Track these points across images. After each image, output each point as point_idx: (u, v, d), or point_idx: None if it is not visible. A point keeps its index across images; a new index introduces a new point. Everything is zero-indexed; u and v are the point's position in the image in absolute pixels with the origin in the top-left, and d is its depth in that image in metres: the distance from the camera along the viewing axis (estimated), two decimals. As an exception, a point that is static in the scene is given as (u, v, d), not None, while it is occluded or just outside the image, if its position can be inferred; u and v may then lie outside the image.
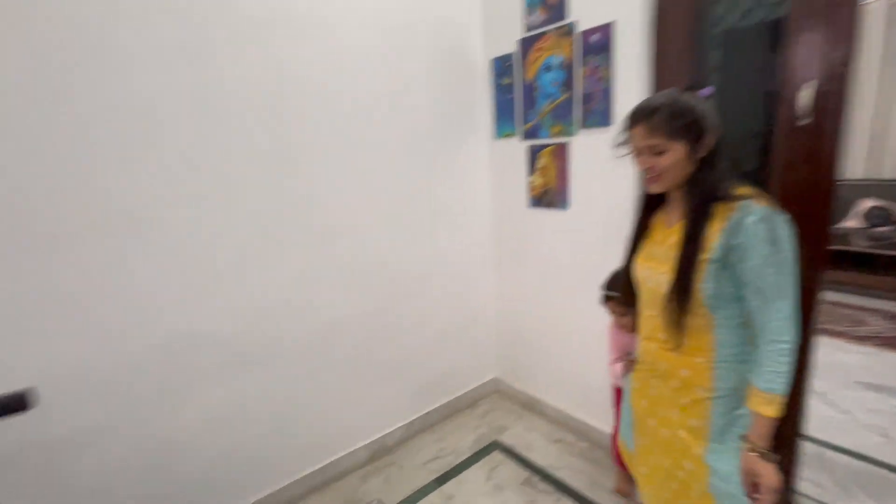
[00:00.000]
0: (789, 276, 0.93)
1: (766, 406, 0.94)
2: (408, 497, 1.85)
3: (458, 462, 2.05)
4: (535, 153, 2.08)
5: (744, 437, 0.99)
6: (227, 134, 1.54)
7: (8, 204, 1.22)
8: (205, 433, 1.61)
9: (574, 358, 2.15)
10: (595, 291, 1.75)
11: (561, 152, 1.98)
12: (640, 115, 1.01)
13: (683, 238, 1.00)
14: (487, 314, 2.51)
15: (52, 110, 1.25)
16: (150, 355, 1.47)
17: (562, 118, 1.94)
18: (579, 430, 2.18)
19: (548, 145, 2.02)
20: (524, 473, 1.96)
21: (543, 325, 2.27)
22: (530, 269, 2.26)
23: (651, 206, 1.16)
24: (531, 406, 2.42)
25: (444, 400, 2.38)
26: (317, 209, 1.79)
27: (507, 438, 2.19)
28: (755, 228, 0.92)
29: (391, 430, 2.17)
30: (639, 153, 1.04)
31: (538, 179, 2.09)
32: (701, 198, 1.00)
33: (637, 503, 1.61)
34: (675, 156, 0.99)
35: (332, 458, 1.97)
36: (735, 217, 0.95)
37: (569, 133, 1.92)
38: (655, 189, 1.06)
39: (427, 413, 2.30)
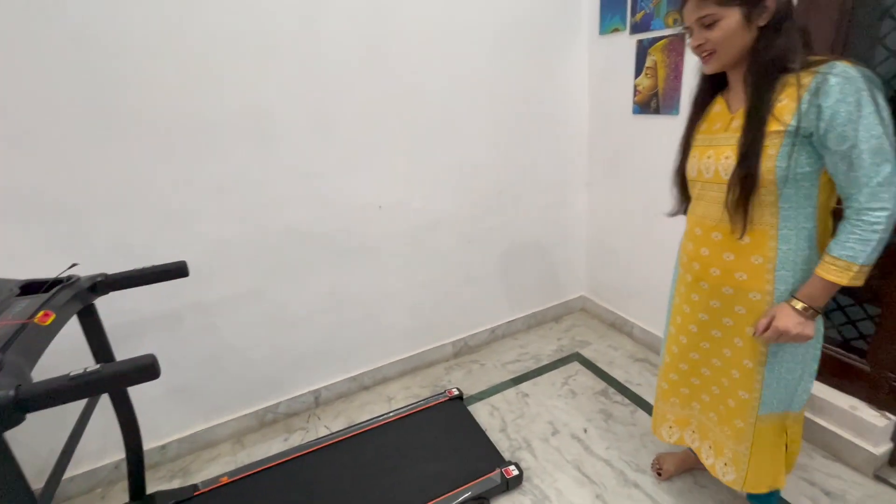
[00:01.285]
0: (887, 137, 0.80)
1: (838, 273, 0.86)
2: (485, 390, 2.03)
3: (536, 367, 2.16)
4: (643, 50, 1.83)
5: (793, 293, 0.94)
6: (336, 40, 1.62)
7: (189, 118, 1.47)
8: (316, 311, 1.91)
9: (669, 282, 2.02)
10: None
11: (676, 46, 1.71)
12: None
13: (748, 109, 0.89)
14: (578, 231, 2.44)
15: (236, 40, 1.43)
16: (274, 241, 1.75)
17: (679, 2, 1.65)
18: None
19: (660, 38, 1.76)
20: (601, 384, 1.99)
21: (637, 245, 2.15)
22: (627, 184, 2.10)
23: (711, 91, 1.03)
24: (617, 326, 2.38)
25: (530, 311, 2.46)
26: (419, 107, 1.84)
27: (589, 353, 2.22)
28: (843, 87, 0.80)
29: (476, 332, 2.33)
30: (691, 32, 0.93)
31: (645, 81, 1.86)
32: (766, 67, 0.87)
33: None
34: (729, 25, 0.87)
35: (422, 349, 2.21)
36: (817, 79, 0.82)
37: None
38: (711, 68, 0.94)
39: (511, 321, 2.41)
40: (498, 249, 2.23)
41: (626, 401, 1.88)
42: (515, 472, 1.50)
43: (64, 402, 0.81)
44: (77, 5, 1.30)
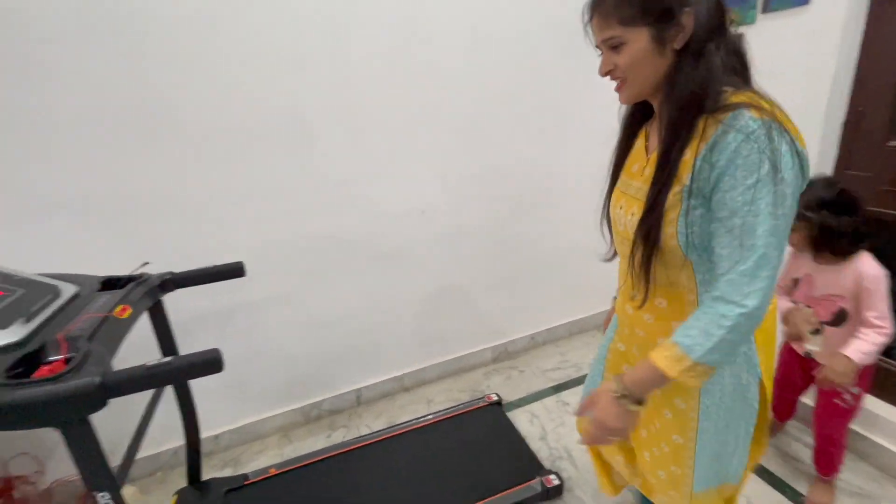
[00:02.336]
0: (771, 218, 0.64)
1: (669, 361, 0.70)
2: (525, 397, 2.02)
3: (578, 375, 2.12)
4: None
5: (617, 381, 0.77)
6: (367, 48, 1.68)
7: (235, 129, 1.57)
8: (356, 312, 1.97)
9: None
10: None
11: (732, 47, 1.65)
12: (593, 1, 0.75)
13: (658, 159, 0.74)
14: (623, 239, 2.38)
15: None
16: (316, 245, 1.81)
17: (735, 1, 1.59)
18: None
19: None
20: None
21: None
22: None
23: (640, 116, 0.90)
24: (664, 337, 2.30)
25: (571, 318, 2.42)
26: (453, 112, 1.86)
27: (633, 363, 2.16)
28: (739, 148, 0.64)
29: (515, 337, 2.32)
30: (602, 53, 0.78)
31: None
32: (680, 104, 0.70)
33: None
34: (637, 49, 0.71)
35: (461, 353, 2.22)
36: (718, 131, 0.66)
37: (744, 20, 1.58)
38: (624, 98, 0.80)
39: (552, 328, 2.38)
40: (539, 254, 2.22)
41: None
42: (556, 482, 1.48)
43: (141, 390, 0.88)
44: (131, 30, 1.41)
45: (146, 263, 1.34)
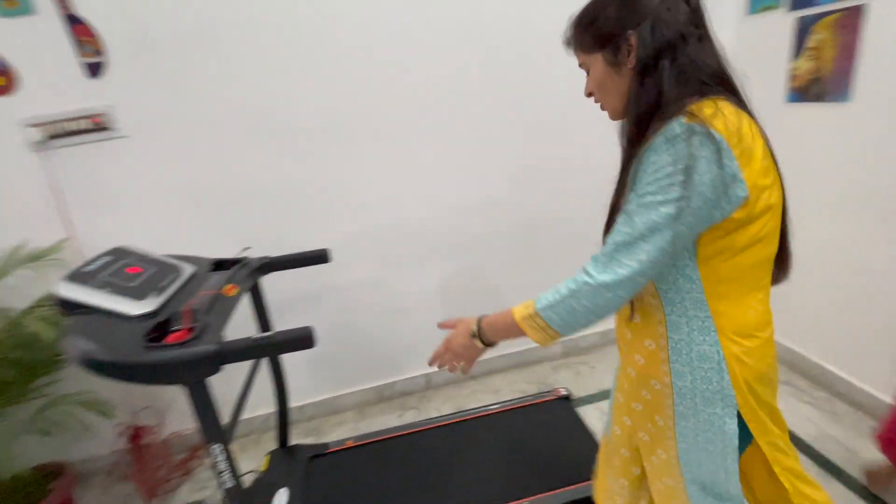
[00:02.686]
0: (656, 216, 0.65)
1: (520, 307, 0.78)
2: (595, 393, 1.97)
3: (652, 376, 2.03)
4: (805, 28, 1.60)
5: (480, 318, 0.85)
6: (448, 46, 1.71)
7: (329, 128, 1.70)
8: (429, 299, 2.04)
9: (839, 303, 1.75)
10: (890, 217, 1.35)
11: (850, 21, 1.46)
12: (565, 32, 0.81)
13: (619, 171, 0.76)
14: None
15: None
16: (394, 236, 1.91)
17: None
18: (832, 387, 1.82)
19: (829, 13, 1.52)
20: (730, 403, 1.81)
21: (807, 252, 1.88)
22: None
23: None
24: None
25: (646, 317, 2.32)
26: (528, 105, 1.86)
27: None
28: (657, 147, 0.65)
29: (587, 333, 2.27)
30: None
31: (805, 64, 1.62)
32: (634, 121, 0.72)
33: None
34: (598, 72, 0.77)
35: (529, 346, 2.23)
36: (651, 140, 0.66)
37: None
38: (610, 118, 0.83)
39: (625, 326, 2.30)
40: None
41: (761, 425, 1.68)
42: (627, 482, 1.45)
43: (247, 359, 1.00)
44: (238, 41, 1.57)
45: (247, 248, 1.50)
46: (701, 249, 0.71)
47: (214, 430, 1.04)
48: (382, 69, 1.70)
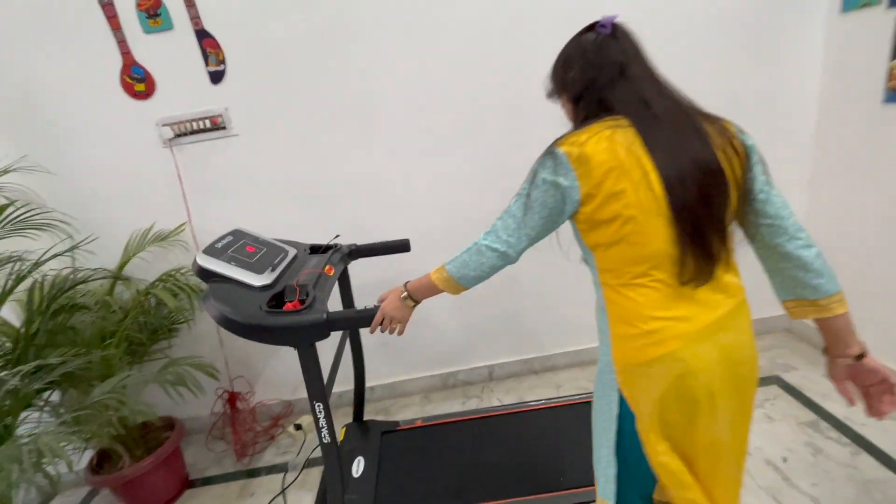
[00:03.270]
0: (510, 212, 0.91)
1: (437, 273, 1.02)
2: (661, 395, 1.96)
3: (722, 383, 1.98)
4: (910, 24, 1.52)
5: (406, 283, 1.08)
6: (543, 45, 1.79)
7: (418, 127, 1.85)
8: (497, 295, 2.11)
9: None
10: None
11: (963, 15, 1.38)
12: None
13: None
14: (790, 240, 2.13)
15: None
16: (466, 229, 2.00)
17: None
18: None
19: (938, 8, 1.44)
20: (809, 416, 1.73)
21: (875, 259, 1.78)
22: (869, 184, 1.76)
23: None
24: (837, 354, 2.01)
25: (716, 323, 2.25)
26: None
27: (793, 378, 1.94)
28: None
29: (651, 336, 2.24)
30: None
31: (908, 62, 1.54)
32: None
33: None
34: (565, 110, 0.97)
35: (590, 346, 2.24)
36: None
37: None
38: None
39: (693, 331, 2.25)
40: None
41: (845, 439, 1.60)
42: (695, 481, 1.45)
43: (350, 328, 1.14)
44: (343, 45, 1.73)
45: (338, 236, 1.66)
46: (585, 240, 0.90)
47: (318, 389, 1.18)
48: (485, 77, 1.80)
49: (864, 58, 1.68)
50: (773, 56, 1.86)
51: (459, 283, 1.00)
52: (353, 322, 1.13)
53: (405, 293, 1.08)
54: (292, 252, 1.46)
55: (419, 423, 1.90)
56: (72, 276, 1.52)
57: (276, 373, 2.17)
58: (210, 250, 1.25)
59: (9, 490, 1.10)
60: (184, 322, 1.90)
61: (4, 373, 1.30)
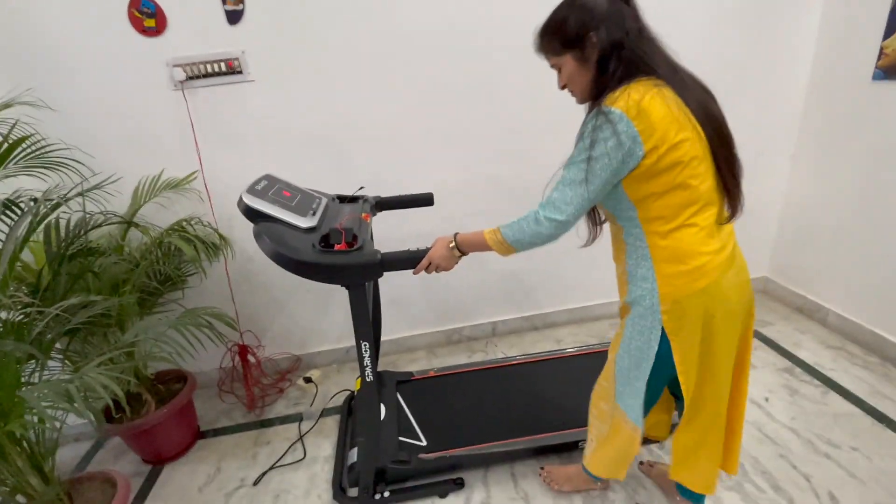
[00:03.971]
0: (573, 173, 0.92)
1: (491, 234, 1.06)
2: (654, 348, 2.12)
3: (708, 336, 2.17)
4: (901, 6, 1.65)
5: (455, 235, 1.13)
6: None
7: (439, 83, 1.83)
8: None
9: (890, 269, 1.85)
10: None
11: (950, 0, 1.52)
12: (534, 42, 1.01)
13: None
14: (771, 207, 2.31)
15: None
16: (481, 187, 2.04)
17: None
18: (870, 345, 1.95)
19: (929, -7, 1.57)
20: (785, 363, 1.94)
21: (849, 225, 1.98)
22: (850, 157, 1.93)
23: None
24: (807, 311, 2.24)
25: (701, 284, 2.44)
26: None
27: (770, 332, 2.15)
28: (584, 124, 0.92)
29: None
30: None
31: (897, 42, 1.68)
32: (592, 102, 0.97)
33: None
34: (569, 68, 0.97)
35: (590, 304, 2.38)
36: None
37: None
38: (579, 101, 1.03)
39: (680, 291, 2.42)
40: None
41: (817, 382, 1.81)
42: (693, 417, 1.61)
43: (403, 269, 1.17)
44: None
45: (362, 187, 1.67)
46: (632, 194, 0.94)
47: (365, 329, 1.22)
48: (507, 34, 1.80)
49: (857, 36, 1.82)
50: (768, 29, 1.97)
51: (512, 247, 1.04)
52: (407, 262, 1.17)
53: (453, 244, 1.13)
54: (324, 200, 1.46)
55: (432, 374, 1.97)
56: (87, 220, 1.46)
57: (284, 328, 2.18)
58: (253, 191, 1.24)
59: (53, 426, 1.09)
60: (194, 273, 1.86)
61: (20, 317, 1.25)
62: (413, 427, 1.67)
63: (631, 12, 0.92)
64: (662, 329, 0.99)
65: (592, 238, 1.16)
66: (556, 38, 0.96)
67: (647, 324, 1.00)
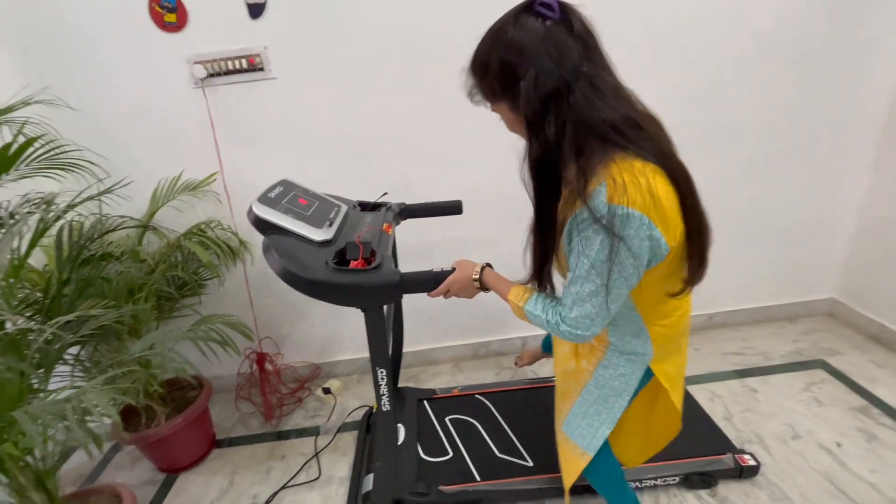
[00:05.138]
0: (590, 281, 0.76)
1: (516, 294, 0.94)
2: (702, 374, 1.92)
3: (765, 364, 1.94)
4: None
5: (483, 268, 1.02)
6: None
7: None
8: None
9: None
10: None
11: None
12: (464, 83, 0.83)
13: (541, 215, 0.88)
14: (845, 220, 2.04)
15: None
16: (514, 193, 1.89)
17: None
18: None
19: None
20: (859, 401, 1.70)
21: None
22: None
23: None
24: (885, 341, 1.96)
25: (757, 304, 2.20)
26: (685, 62, 1.76)
27: (839, 363, 1.90)
28: (586, 223, 0.73)
29: (693, 314, 2.18)
30: None
31: None
32: (535, 173, 0.81)
33: None
34: (505, 116, 0.80)
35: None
36: (581, 208, 0.73)
37: None
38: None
39: (734, 311, 2.19)
40: (736, 227, 2.02)
41: (899, 426, 1.57)
42: (752, 462, 1.41)
43: (424, 291, 1.04)
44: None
45: (385, 193, 1.55)
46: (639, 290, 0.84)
47: (382, 355, 1.10)
48: None
49: None
50: (850, 22, 1.71)
51: (526, 319, 0.94)
52: (430, 284, 1.04)
53: (478, 276, 1.03)
54: (344, 208, 1.35)
55: (456, 392, 1.84)
56: (101, 223, 1.40)
57: (304, 335, 2.10)
58: (265, 200, 1.14)
59: (46, 447, 1.03)
60: (212, 278, 1.79)
61: (33, 324, 1.20)
62: (434, 452, 1.55)
63: (577, 47, 0.68)
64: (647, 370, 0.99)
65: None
66: (485, 81, 0.78)
67: (630, 368, 0.99)
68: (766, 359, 1.97)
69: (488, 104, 0.82)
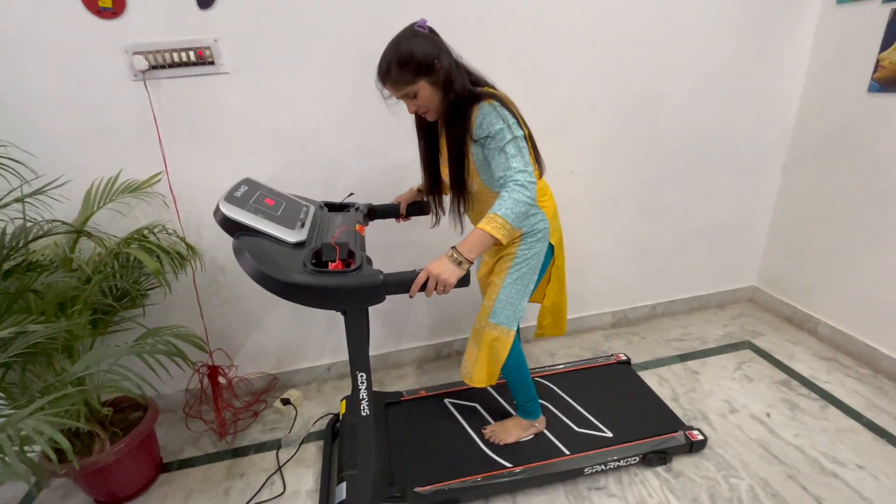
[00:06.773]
0: (511, 143, 1.10)
1: (484, 222, 1.06)
2: (650, 361, 2.07)
3: (702, 348, 2.13)
4: (899, 19, 1.65)
5: (453, 247, 1.08)
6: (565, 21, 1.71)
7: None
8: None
9: (882, 281, 1.86)
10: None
11: (949, 15, 1.52)
12: (381, 77, 1.14)
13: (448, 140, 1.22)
14: (761, 217, 2.31)
15: None
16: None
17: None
18: (862, 356, 1.96)
19: (928, 7, 1.57)
20: (781, 375, 1.92)
21: (843, 236, 1.98)
22: (847, 172, 1.93)
23: (433, 130, 1.32)
24: (797, 321, 2.24)
25: (692, 293, 2.41)
26: (624, 78, 1.87)
27: (763, 343, 2.14)
28: (487, 115, 1.11)
29: (636, 306, 2.35)
30: (403, 101, 1.19)
31: (894, 55, 1.68)
32: (454, 108, 1.16)
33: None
34: (426, 91, 1.14)
35: (581, 315, 2.30)
36: (477, 112, 1.14)
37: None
38: (431, 118, 1.23)
39: (672, 301, 2.39)
40: (672, 227, 2.21)
41: (815, 395, 1.80)
42: (700, 437, 1.55)
43: (401, 293, 1.03)
44: None
45: (351, 194, 1.52)
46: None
47: (362, 359, 1.08)
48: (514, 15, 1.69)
49: (853, 48, 1.81)
50: (763, 39, 1.94)
51: (513, 226, 1.07)
52: (406, 286, 1.03)
53: (455, 254, 1.06)
54: (312, 208, 1.30)
55: (423, 394, 1.84)
56: (26, 229, 1.24)
57: (259, 345, 1.99)
58: (232, 199, 1.07)
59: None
60: (156, 287, 1.65)
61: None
62: (405, 455, 1.53)
63: (444, 43, 1.15)
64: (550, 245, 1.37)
65: (436, 222, 1.46)
66: (408, 69, 1.10)
67: (537, 246, 1.32)
68: (702, 343, 2.17)
69: (404, 89, 1.13)
